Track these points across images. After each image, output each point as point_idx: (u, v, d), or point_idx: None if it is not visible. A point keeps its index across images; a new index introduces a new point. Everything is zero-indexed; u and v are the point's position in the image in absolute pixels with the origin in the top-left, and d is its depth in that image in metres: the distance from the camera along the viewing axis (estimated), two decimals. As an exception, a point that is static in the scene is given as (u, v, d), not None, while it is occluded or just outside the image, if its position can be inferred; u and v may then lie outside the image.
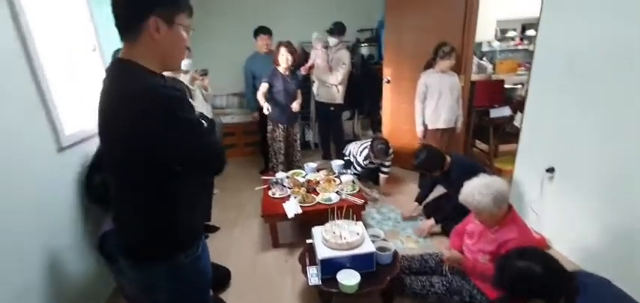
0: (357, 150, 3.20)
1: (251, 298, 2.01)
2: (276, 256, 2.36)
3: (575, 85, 2.04)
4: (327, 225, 1.92)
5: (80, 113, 1.95)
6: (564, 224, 2.21)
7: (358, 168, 3.15)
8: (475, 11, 3.12)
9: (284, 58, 3.00)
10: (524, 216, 2.48)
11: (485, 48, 5.19)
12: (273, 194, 2.58)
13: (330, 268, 1.73)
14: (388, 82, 3.77)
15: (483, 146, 3.80)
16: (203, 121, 1.01)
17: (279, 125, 3.19)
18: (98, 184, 1.77)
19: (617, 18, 1.78)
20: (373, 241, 1.91)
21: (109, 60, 2.26)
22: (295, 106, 3.11)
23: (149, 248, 1.00)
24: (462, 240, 1.89)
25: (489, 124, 3.39)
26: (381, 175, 3.20)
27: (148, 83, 0.87)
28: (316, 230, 1.94)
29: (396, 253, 1.91)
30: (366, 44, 4.85)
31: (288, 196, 2.54)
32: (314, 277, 1.74)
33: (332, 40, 3.60)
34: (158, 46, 0.91)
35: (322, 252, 1.77)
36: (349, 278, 1.66)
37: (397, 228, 2.67)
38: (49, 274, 1.56)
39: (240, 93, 4.38)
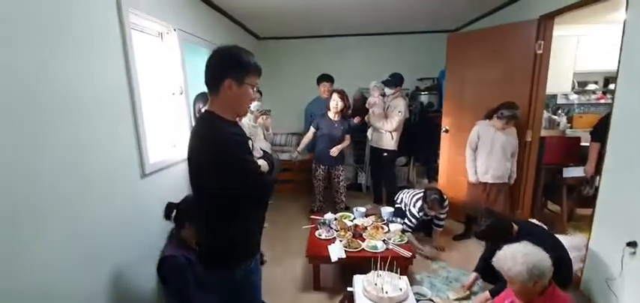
0: (410, 199, 3.10)
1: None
2: (316, 299, 2.36)
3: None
4: (370, 275, 1.90)
5: (163, 145, 2.29)
6: None
7: (413, 220, 2.94)
8: (546, 65, 2.97)
9: (335, 104, 3.18)
10: (598, 295, 2.17)
11: (560, 100, 4.80)
12: (320, 235, 2.63)
13: (369, 321, 1.70)
14: (446, 131, 3.68)
15: (556, 208, 3.42)
16: (265, 159, 1.37)
17: (321, 166, 3.34)
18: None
19: None
20: (417, 300, 1.84)
21: (191, 101, 2.65)
22: (334, 150, 3.25)
23: (216, 257, 1.30)
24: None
25: (563, 184, 3.06)
26: (435, 229, 3.05)
27: (222, 129, 1.19)
28: (358, 279, 1.93)
29: (439, 315, 1.80)
30: (426, 93, 4.83)
31: (334, 238, 2.57)
32: (352, 328, 1.72)
33: (388, 90, 3.70)
34: (230, 100, 1.23)
35: None
36: (388, 335, 1.60)
37: (447, 286, 2.49)
38: (114, 285, 1.78)
39: (300, 132, 4.64)
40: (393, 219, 2.92)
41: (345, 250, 2.40)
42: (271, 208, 4.03)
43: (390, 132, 3.67)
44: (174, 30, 2.42)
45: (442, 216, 3.00)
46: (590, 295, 2.27)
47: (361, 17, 3.85)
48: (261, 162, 1.34)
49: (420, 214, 2.93)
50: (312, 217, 2.99)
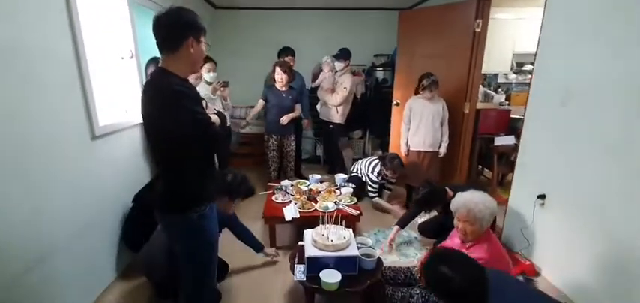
0: (367, 167, 3.37)
1: (244, 292, 2.18)
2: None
3: (568, 115, 2.11)
4: (318, 228, 2.07)
5: (113, 109, 2.27)
6: (555, 253, 2.24)
7: (374, 185, 3.34)
8: (482, 42, 3.25)
9: (279, 77, 3.33)
10: (516, 243, 2.53)
11: (501, 79, 5.26)
12: (276, 199, 2.78)
13: (315, 266, 1.88)
14: (397, 104, 3.94)
15: (490, 174, 3.84)
16: (217, 116, 1.48)
17: (273, 136, 3.47)
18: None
19: (610, 51, 1.84)
20: (359, 247, 2.05)
21: (143, 66, 2.61)
22: (284, 119, 3.39)
23: (170, 204, 1.39)
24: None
25: (494, 152, 3.45)
26: (386, 192, 3.35)
27: (175, 82, 1.27)
28: (308, 232, 2.10)
29: (379, 261, 2.03)
30: (381, 68, 5.06)
31: (289, 202, 2.73)
32: (300, 273, 1.90)
33: (338, 64, 3.84)
34: (190, 58, 1.32)
35: (309, 251, 1.92)
36: (331, 277, 1.80)
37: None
38: (68, 241, 1.82)
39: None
40: (345, 184, 3.12)
41: (299, 211, 2.57)
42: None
43: (336, 106, 3.85)
44: (123, -9, 2.36)
45: (393, 181, 3.30)
46: (509, 243, 2.64)
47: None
48: (214, 117, 1.45)
49: (379, 177, 3.30)
50: (270, 184, 3.11)
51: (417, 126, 3.22)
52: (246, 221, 2.96)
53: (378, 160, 3.37)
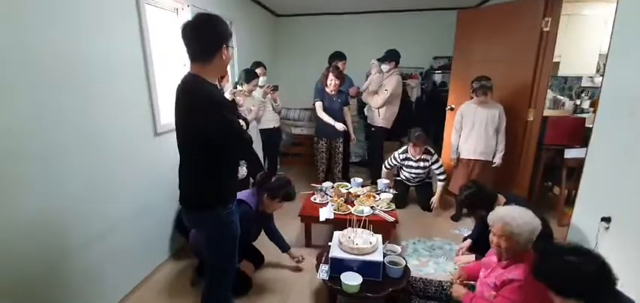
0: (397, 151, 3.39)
1: (272, 283, 2.31)
2: (305, 252, 2.59)
3: (637, 128, 1.80)
4: (346, 230, 2.10)
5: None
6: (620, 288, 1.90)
7: (392, 161, 3.37)
8: (551, 44, 2.92)
9: (332, 82, 3.37)
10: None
11: (585, 83, 4.58)
12: (315, 200, 2.87)
13: (339, 267, 1.90)
14: (451, 109, 3.72)
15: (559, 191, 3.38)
16: (241, 120, 1.60)
17: (323, 138, 3.54)
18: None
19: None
20: (387, 255, 2.02)
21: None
22: (339, 126, 3.44)
23: (202, 202, 1.48)
24: (479, 270, 1.85)
25: (564, 166, 3.04)
26: (438, 184, 3.24)
27: (213, 93, 1.38)
28: (336, 234, 2.14)
29: (406, 270, 1.98)
30: (439, 71, 4.82)
31: (327, 203, 2.79)
32: (323, 272, 1.95)
33: (384, 67, 3.75)
34: (222, 65, 1.42)
35: (334, 252, 1.96)
36: (351, 279, 1.81)
37: (429, 253, 2.66)
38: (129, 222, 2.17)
39: (312, 108, 4.83)
40: (386, 190, 3.07)
41: (335, 213, 2.62)
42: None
43: (377, 108, 3.78)
44: (188, 6, 2.70)
45: (437, 167, 3.21)
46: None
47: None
48: (240, 120, 1.61)
49: (402, 156, 3.31)
50: (312, 184, 3.21)
51: (468, 132, 3.02)
52: (287, 218, 3.11)
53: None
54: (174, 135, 1.77)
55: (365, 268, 1.89)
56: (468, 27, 3.59)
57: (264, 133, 3.50)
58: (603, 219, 1.98)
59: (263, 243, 2.47)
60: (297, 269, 2.46)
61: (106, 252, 1.98)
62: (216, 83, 1.51)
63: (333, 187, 3.08)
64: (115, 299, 2.09)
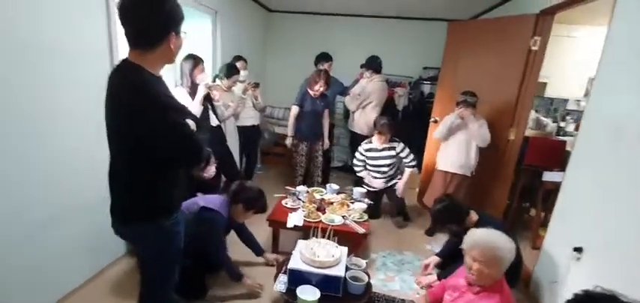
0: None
1: (233, 289, 2.19)
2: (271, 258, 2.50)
3: (619, 158, 1.74)
4: (310, 241, 2.01)
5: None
6: None
7: (359, 157, 3.26)
8: (538, 64, 2.86)
9: (318, 86, 3.27)
10: (544, 296, 2.17)
11: (571, 106, 4.58)
12: (286, 204, 2.77)
13: (298, 280, 1.82)
14: (435, 121, 3.65)
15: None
16: (190, 119, 1.30)
17: (304, 141, 3.45)
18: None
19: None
20: (350, 269, 1.94)
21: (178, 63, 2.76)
22: (327, 142, 3.55)
23: (140, 212, 1.25)
24: (443, 292, 1.77)
25: (541, 188, 2.99)
26: (407, 170, 3.17)
27: (158, 92, 1.14)
28: (300, 243, 2.05)
29: (368, 286, 1.89)
30: (428, 82, 4.76)
31: (298, 208, 2.69)
32: (281, 283, 1.86)
33: (366, 73, 3.70)
34: (170, 53, 1.16)
35: (294, 263, 1.87)
36: (308, 294, 1.72)
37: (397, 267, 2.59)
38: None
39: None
40: (361, 199, 2.98)
41: (304, 219, 2.52)
42: (258, 178, 4.23)
43: (352, 113, 3.81)
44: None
45: (404, 154, 3.15)
46: (537, 294, 2.27)
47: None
48: (189, 121, 1.28)
49: (365, 147, 3.23)
50: (287, 187, 3.10)
51: (450, 144, 2.94)
52: (258, 220, 2.98)
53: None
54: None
55: (325, 282, 1.80)
56: (457, 39, 3.53)
57: (242, 130, 3.40)
58: (575, 249, 1.91)
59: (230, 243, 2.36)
60: (271, 266, 2.42)
61: (51, 244, 1.86)
62: (161, 74, 1.20)
63: (307, 192, 2.98)
64: (58, 296, 1.96)
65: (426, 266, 2.39)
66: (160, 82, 1.19)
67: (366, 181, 3.26)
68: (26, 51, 1.60)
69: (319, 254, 1.88)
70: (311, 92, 3.32)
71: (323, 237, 2.04)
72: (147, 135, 1.12)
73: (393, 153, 3.15)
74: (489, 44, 3.18)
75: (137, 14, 1.09)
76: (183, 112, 1.31)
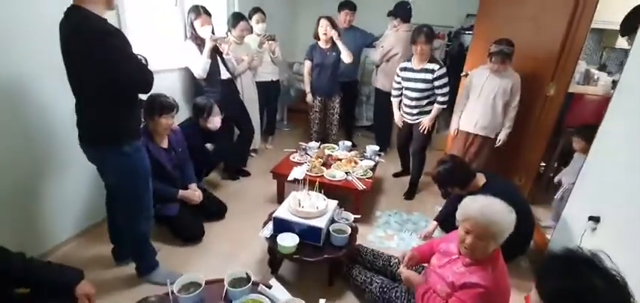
0: None
1: (230, 234, 2.32)
2: (273, 208, 2.56)
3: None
4: (300, 192, 2.02)
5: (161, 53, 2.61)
6: None
7: (394, 84, 2.93)
8: (590, 8, 2.36)
9: (323, 31, 3.10)
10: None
11: None
12: (293, 158, 2.80)
13: (281, 228, 1.86)
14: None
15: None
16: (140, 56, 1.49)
17: (317, 97, 3.35)
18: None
19: None
20: (335, 222, 1.94)
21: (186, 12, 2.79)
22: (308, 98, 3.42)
23: (102, 136, 1.48)
24: (432, 254, 1.67)
25: (583, 153, 2.59)
26: (436, 106, 2.75)
27: (105, 26, 1.30)
28: (291, 195, 2.07)
29: (352, 239, 1.89)
30: (470, 32, 4.25)
31: (304, 163, 2.71)
32: (267, 230, 1.93)
33: (394, 22, 3.43)
34: None
35: (280, 212, 1.91)
36: (286, 241, 1.76)
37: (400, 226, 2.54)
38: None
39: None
40: (372, 157, 2.88)
41: (307, 174, 2.53)
42: (283, 135, 4.30)
43: (376, 67, 3.55)
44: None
45: (439, 83, 2.66)
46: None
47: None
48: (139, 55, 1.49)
49: (403, 67, 2.82)
50: (300, 143, 3.11)
51: (474, 102, 2.64)
52: (264, 175, 3.02)
53: None
54: (158, 78, 1.59)
55: (307, 231, 1.83)
56: (497, -20, 3.05)
57: (261, 85, 3.41)
58: (591, 218, 1.66)
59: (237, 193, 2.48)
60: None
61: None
62: (105, 16, 1.35)
63: (319, 148, 2.97)
64: (41, 250, 1.97)
65: (426, 237, 2.27)
66: (106, 21, 1.33)
67: (395, 118, 3.04)
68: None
69: (304, 205, 1.89)
70: (320, 44, 3.19)
71: (314, 190, 2.04)
72: (98, 64, 1.30)
73: (429, 76, 2.67)
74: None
75: None
76: (129, 44, 1.42)
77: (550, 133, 2.64)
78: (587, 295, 0.80)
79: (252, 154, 3.59)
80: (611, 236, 1.56)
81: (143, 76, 1.42)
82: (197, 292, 1.35)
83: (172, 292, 1.36)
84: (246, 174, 3.16)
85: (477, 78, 2.63)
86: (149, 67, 1.50)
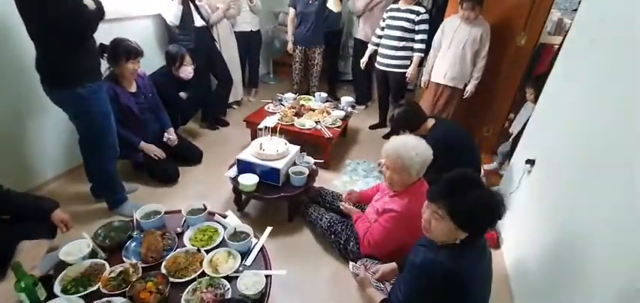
0: None
1: (204, 177, 2.47)
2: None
3: (595, 61, 1.47)
4: (263, 138, 2.14)
5: None
6: (517, 228, 1.81)
7: (381, 25, 2.99)
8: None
9: None
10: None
11: None
12: (268, 108, 2.88)
13: (245, 169, 2.00)
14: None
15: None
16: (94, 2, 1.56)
17: (298, 46, 3.35)
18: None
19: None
20: (297, 164, 2.08)
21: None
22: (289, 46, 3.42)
23: (53, 80, 1.59)
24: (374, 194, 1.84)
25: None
26: (415, 55, 2.87)
27: None
28: (256, 140, 2.19)
29: (309, 180, 2.03)
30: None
31: (277, 113, 2.80)
32: (232, 171, 2.07)
33: None
34: None
35: (243, 154, 2.04)
36: (247, 180, 1.90)
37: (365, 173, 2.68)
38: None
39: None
40: (345, 108, 2.95)
41: (278, 122, 2.62)
42: (268, 87, 4.34)
43: (357, 17, 3.53)
44: None
45: (419, 28, 2.82)
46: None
47: None
48: (88, 1, 1.55)
49: (389, 9, 2.93)
50: (278, 93, 3.19)
51: (444, 52, 2.67)
52: (239, 124, 3.11)
53: None
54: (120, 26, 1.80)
55: (267, 172, 1.97)
56: None
57: (240, 35, 3.41)
58: (528, 161, 1.77)
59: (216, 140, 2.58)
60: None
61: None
62: None
63: (295, 99, 3.05)
64: (30, 185, 2.15)
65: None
66: None
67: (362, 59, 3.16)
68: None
69: (265, 149, 2.01)
70: None
71: (275, 135, 2.15)
72: (38, 7, 1.38)
73: (414, 17, 2.80)
74: None
75: None
76: None
77: (518, 84, 2.69)
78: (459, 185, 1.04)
79: (235, 106, 3.68)
80: (537, 180, 1.69)
81: (80, 15, 1.47)
82: (157, 218, 1.53)
83: (136, 219, 1.54)
84: (225, 124, 3.27)
85: (448, 28, 2.64)
86: (102, 9, 1.57)
